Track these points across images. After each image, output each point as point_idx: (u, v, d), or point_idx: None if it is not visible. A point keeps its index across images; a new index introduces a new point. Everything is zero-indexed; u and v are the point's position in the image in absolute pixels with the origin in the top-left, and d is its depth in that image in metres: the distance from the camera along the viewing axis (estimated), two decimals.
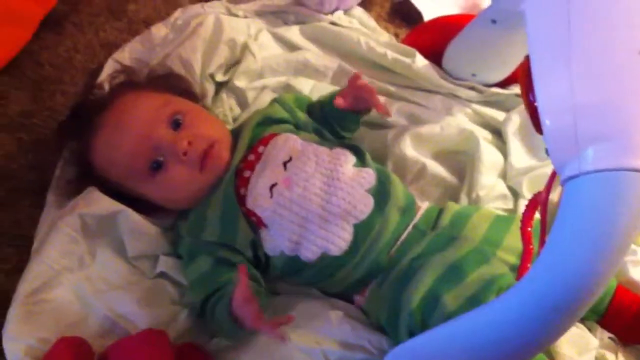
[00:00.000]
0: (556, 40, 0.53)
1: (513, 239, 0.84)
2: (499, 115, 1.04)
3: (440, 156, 1.01)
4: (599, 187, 0.51)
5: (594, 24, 0.52)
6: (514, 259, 0.83)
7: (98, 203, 0.86)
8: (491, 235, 0.86)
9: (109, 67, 1.04)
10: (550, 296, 0.55)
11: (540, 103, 0.53)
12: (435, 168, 0.99)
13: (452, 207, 0.90)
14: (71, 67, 1.08)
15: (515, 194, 0.98)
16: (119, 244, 0.88)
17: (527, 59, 0.57)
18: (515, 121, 1.01)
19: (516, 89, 1.06)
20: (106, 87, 0.95)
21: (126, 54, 1.07)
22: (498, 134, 1.04)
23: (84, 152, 0.89)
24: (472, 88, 1.06)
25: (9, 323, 0.79)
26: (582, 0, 0.52)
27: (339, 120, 0.95)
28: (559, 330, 0.59)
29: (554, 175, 0.69)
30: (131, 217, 0.86)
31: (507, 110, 1.05)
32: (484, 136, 1.01)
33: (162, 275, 0.89)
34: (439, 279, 0.78)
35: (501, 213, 0.94)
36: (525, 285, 0.58)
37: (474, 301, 0.75)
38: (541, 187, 0.94)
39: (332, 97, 0.94)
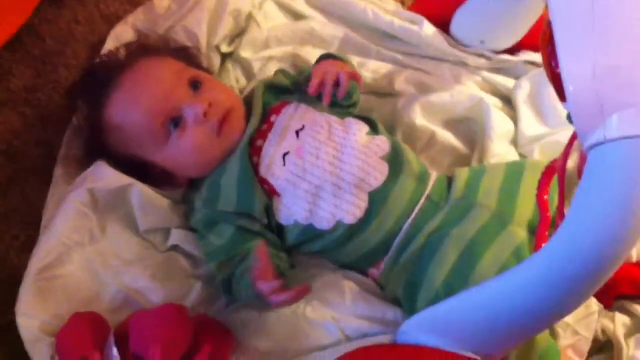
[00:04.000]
0: (579, 7, 0.52)
1: (528, 191, 0.83)
2: (508, 82, 1.03)
3: (450, 124, 1.00)
4: (624, 153, 0.51)
5: None
6: (530, 215, 0.83)
7: (107, 177, 0.85)
8: (505, 196, 0.84)
9: (111, 39, 1.03)
10: (577, 262, 0.55)
11: (564, 70, 0.53)
12: (445, 136, 0.98)
13: (462, 174, 0.89)
14: (73, 39, 1.05)
15: None
16: (129, 218, 0.87)
17: (547, 26, 0.56)
18: (525, 88, 1.00)
19: (525, 56, 1.04)
20: (122, 52, 0.94)
21: (129, 26, 1.04)
22: (507, 101, 1.03)
23: (97, 114, 0.88)
24: (480, 55, 1.04)
25: (21, 300, 0.79)
26: None
27: None
28: (582, 297, 0.59)
29: (571, 142, 0.69)
30: (142, 190, 0.85)
31: (516, 77, 1.04)
32: (493, 103, 0.99)
33: (174, 248, 0.88)
34: (460, 256, 0.78)
35: (512, 159, 0.94)
36: (549, 252, 0.58)
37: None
38: (553, 154, 0.94)
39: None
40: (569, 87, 0.52)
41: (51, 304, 0.79)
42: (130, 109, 0.86)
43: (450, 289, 0.76)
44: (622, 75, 0.51)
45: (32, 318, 0.77)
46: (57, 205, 0.87)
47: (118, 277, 0.82)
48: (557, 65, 0.53)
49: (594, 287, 0.57)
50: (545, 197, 0.73)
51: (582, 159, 0.60)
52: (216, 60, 1.02)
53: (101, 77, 0.89)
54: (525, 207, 0.83)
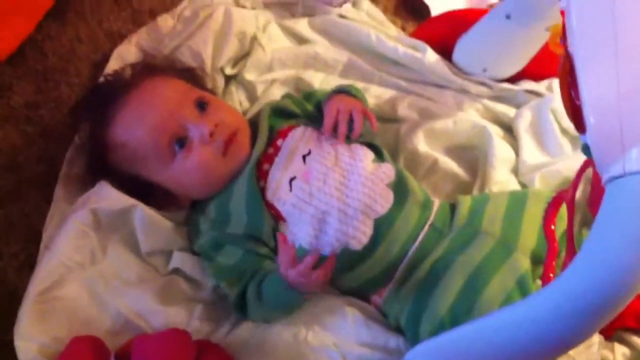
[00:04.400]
0: (602, 38, 0.52)
1: (531, 220, 0.84)
2: (509, 111, 1.04)
3: (452, 151, 1.00)
4: None
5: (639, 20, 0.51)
6: (534, 244, 0.83)
7: (110, 197, 0.85)
8: (509, 224, 0.85)
9: (115, 58, 1.03)
10: (591, 295, 0.54)
11: (586, 101, 0.53)
12: (448, 163, 0.98)
13: (465, 202, 0.89)
14: (75, 57, 1.05)
15: None
16: (130, 240, 0.86)
17: (566, 58, 0.57)
18: (526, 117, 1.01)
19: (526, 85, 1.05)
20: (127, 71, 0.94)
21: (132, 45, 1.05)
22: (508, 129, 1.03)
23: (101, 132, 0.87)
24: (482, 83, 1.05)
25: (21, 321, 0.78)
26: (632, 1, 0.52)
27: None
28: (591, 331, 0.59)
29: (580, 173, 0.69)
30: (145, 212, 0.85)
31: (517, 106, 1.04)
32: (495, 132, 1.00)
33: (176, 271, 0.87)
34: (466, 284, 0.78)
35: (514, 188, 0.94)
36: (562, 284, 0.58)
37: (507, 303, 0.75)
38: (554, 183, 0.95)
39: (322, 99, 0.94)
40: (589, 119, 0.52)
41: (51, 327, 0.78)
42: (135, 127, 0.85)
43: (455, 317, 0.76)
44: None
45: (31, 341, 0.76)
46: (58, 224, 0.86)
47: (119, 299, 0.82)
48: (577, 97, 0.54)
49: (604, 322, 0.57)
50: (552, 227, 0.73)
51: (594, 192, 0.60)
52: (220, 82, 1.02)
53: (106, 96, 0.89)
54: (529, 236, 0.84)
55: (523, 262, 0.81)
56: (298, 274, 0.76)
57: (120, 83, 0.91)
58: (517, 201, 0.88)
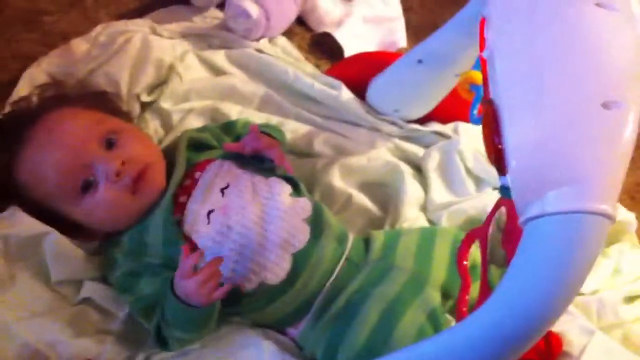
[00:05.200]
0: (524, 87, 0.57)
1: (441, 256, 0.88)
2: (418, 150, 1.08)
3: (366, 187, 1.03)
4: (561, 228, 0.54)
5: (561, 68, 0.56)
6: (443, 278, 0.87)
7: (22, 223, 0.82)
8: (421, 259, 0.88)
9: (24, 80, 0.99)
10: (506, 330, 0.57)
11: (508, 145, 0.57)
12: (361, 199, 1.01)
13: (379, 237, 0.92)
14: None
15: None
16: (39, 268, 0.83)
17: (489, 105, 0.60)
18: (435, 157, 1.05)
19: (434, 126, 1.10)
20: (34, 99, 0.90)
21: (43, 68, 1.02)
22: (417, 168, 1.07)
23: (6, 168, 0.84)
24: (393, 123, 1.09)
25: None
26: (549, 46, 0.56)
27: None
28: None
29: (493, 212, 0.73)
30: (57, 240, 0.82)
31: (425, 146, 1.09)
32: (405, 170, 1.04)
33: (86, 301, 0.84)
34: (382, 316, 0.80)
35: (422, 225, 0.98)
36: (480, 319, 0.61)
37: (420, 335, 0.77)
38: (459, 221, 1.00)
39: (242, 132, 0.95)
40: (512, 162, 0.56)
41: None
42: (40, 167, 0.82)
43: (371, 350, 0.78)
44: (565, 155, 0.55)
45: None
46: None
47: (28, 329, 0.78)
48: (499, 141, 0.57)
49: (516, 355, 0.60)
50: (465, 262, 0.77)
51: (508, 230, 0.64)
52: (136, 109, 1.01)
53: (10, 130, 0.85)
54: (439, 270, 0.88)
55: (434, 296, 0.84)
56: (194, 282, 0.75)
57: (24, 116, 0.87)
58: (427, 237, 0.91)
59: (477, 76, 0.91)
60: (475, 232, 0.77)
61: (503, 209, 0.69)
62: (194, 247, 0.83)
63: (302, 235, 0.85)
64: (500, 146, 0.58)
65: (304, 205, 0.88)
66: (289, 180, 0.92)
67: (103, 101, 0.94)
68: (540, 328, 0.57)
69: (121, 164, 0.82)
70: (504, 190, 0.61)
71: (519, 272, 0.57)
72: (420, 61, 0.99)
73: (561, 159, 0.55)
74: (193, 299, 0.76)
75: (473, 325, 0.62)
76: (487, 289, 0.72)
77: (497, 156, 0.59)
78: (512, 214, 0.68)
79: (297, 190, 0.91)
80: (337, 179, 1.00)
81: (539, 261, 0.55)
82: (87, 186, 0.82)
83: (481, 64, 0.66)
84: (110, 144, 0.84)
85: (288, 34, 1.22)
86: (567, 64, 0.55)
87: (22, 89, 0.98)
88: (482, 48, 0.64)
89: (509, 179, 0.58)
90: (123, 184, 0.82)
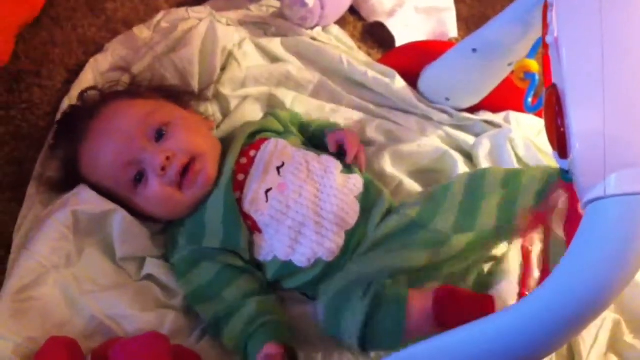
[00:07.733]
0: (590, 71, 0.58)
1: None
2: (468, 138, 1.09)
3: (416, 174, 1.04)
4: (622, 209, 0.56)
5: (626, 54, 0.57)
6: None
7: (91, 201, 0.85)
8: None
9: (90, 66, 1.03)
10: (567, 308, 0.59)
11: (572, 128, 0.58)
12: (412, 185, 1.02)
13: None
14: (48, 61, 1.05)
15: None
16: (106, 244, 0.87)
17: (552, 88, 0.62)
18: (486, 145, 1.06)
19: (485, 115, 1.11)
20: (98, 90, 0.95)
21: (109, 55, 1.05)
22: (467, 156, 1.09)
23: (73, 159, 0.89)
24: (444, 111, 1.10)
25: None
26: (615, 32, 0.57)
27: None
28: (564, 341, 0.64)
29: (551, 195, 0.75)
30: (125, 218, 0.86)
31: (475, 134, 1.10)
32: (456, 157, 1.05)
33: (148, 277, 0.88)
34: None
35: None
36: (540, 296, 0.62)
37: None
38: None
39: (324, 129, 0.98)
40: (575, 145, 0.57)
41: (25, 326, 0.78)
42: (97, 160, 0.87)
43: None
44: (628, 136, 0.56)
45: (6, 340, 0.75)
46: (32, 225, 0.86)
47: (94, 303, 0.82)
48: (562, 125, 0.59)
49: (577, 334, 0.62)
50: (530, 247, 0.78)
51: (571, 215, 0.66)
52: (207, 95, 1.04)
53: (76, 123, 0.90)
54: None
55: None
56: None
57: (88, 107, 0.92)
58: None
59: (532, 64, 0.91)
60: (537, 217, 0.78)
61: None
62: (252, 225, 0.86)
63: (354, 213, 0.87)
64: (562, 129, 0.60)
65: (356, 182, 0.90)
66: (338, 157, 0.94)
67: (164, 88, 0.98)
68: (599, 307, 0.59)
69: (166, 158, 0.84)
70: (564, 173, 0.63)
71: (579, 252, 0.59)
72: (474, 50, 1.00)
73: (624, 142, 0.56)
74: None
75: (533, 303, 0.63)
76: (548, 271, 0.74)
77: (559, 139, 0.60)
78: (571, 197, 0.70)
79: (347, 167, 0.93)
80: (388, 165, 1.02)
81: (599, 242, 0.57)
82: (140, 178, 0.86)
83: (543, 49, 0.67)
84: (160, 135, 0.87)
85: (341, 22, 1.24)
86: (633, 51, 0.57)
87: (88, 74, 1.02)
88: (544, 33, 0.65)
89: (569, 163, 0.59)
90: (168, 179, 0.85)
